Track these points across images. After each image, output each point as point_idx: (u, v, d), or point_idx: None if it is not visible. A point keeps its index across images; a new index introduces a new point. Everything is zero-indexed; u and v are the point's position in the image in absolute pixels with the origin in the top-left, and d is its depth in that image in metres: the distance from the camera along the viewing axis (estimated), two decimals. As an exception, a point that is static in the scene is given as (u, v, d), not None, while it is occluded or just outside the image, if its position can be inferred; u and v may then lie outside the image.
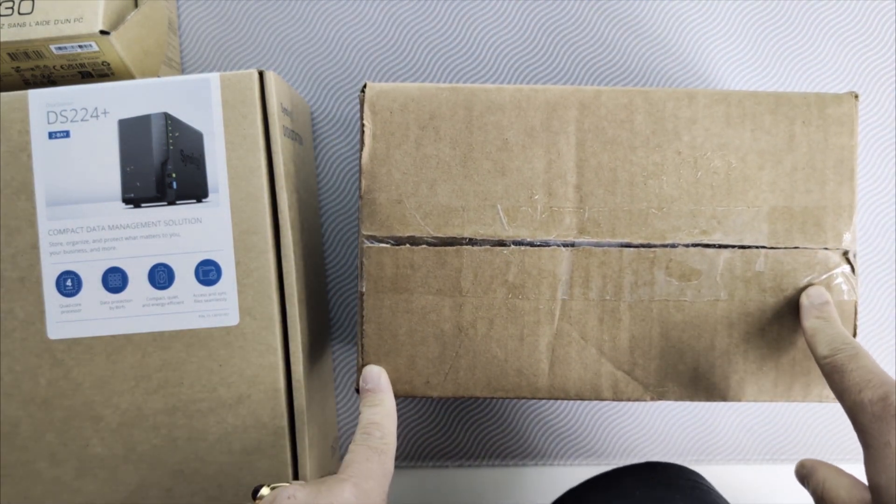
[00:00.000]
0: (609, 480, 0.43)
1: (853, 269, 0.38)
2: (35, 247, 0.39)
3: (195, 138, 0.38)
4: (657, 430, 0.53)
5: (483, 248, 0.38)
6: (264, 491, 0.31)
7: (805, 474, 0.34)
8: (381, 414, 0.35)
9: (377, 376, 0.37)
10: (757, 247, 0.38)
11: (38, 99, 0.38)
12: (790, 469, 0.53)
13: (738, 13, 0.52)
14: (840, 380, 0.32)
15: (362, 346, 0.38)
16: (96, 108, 0.38)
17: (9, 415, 0.39)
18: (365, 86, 0.38)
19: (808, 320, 0.36)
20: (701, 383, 0.38)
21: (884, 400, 0.30)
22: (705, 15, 0.52)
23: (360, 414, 0.36)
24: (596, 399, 0.38)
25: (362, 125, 0.38)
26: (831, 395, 0.38)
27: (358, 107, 0.51)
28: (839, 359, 0.33)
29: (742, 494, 0.53)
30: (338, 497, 0.29)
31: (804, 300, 0.37)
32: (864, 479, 0.31)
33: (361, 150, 0.38)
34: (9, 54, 0.42)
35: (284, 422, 0.39)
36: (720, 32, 0.52)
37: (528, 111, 0.38)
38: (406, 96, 0.38)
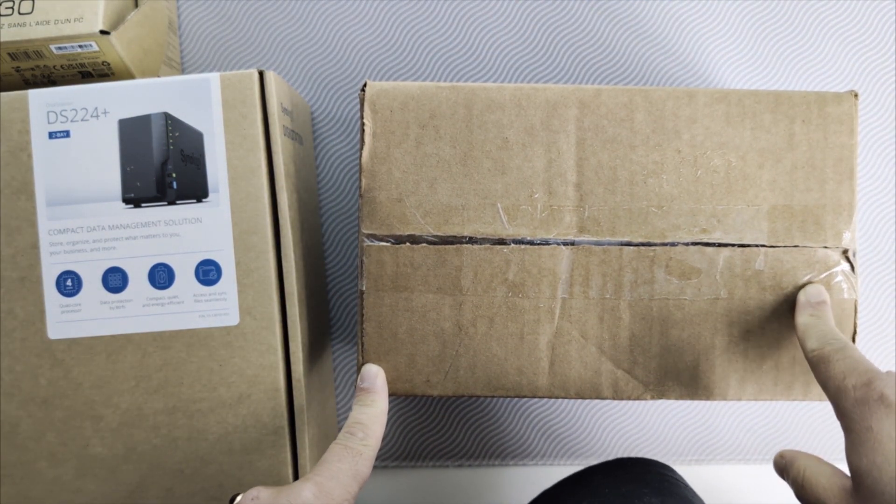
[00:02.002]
0: (579, 480, 0.43)
1: (853, 268, 0.38)
2: (35, 247, 0.39)
3: (195, 138, 0.38)
4: (657, 430, 0.53)
5: (483, 246, 0.38)
6: (238, 499, 0.31)
7: (784, 465, 0.34)
8: (369, 415, 0.35)
9: (374, 376, 0.37)
10: (757, 245, 0.38)
11: (38, 99, 0.38)
12: (791, 468, 0.53)
13: (738, 13, 0.52)
14: (825, 369, 0.32)
15: (362, 344, 0.38)
16: (96, 108, 0.38)
17: (9, 415, 0.39)
18: (365, 84, 0.38)
19: (801, 317, 0.36)
20: (701, 382, 0.38)
21: (867, 385, 0.30)
22: (705, 15, 0.52)
23: (350, 411, 0.36)
24: (596, 398, 0.38)
25: (362, 124, 0.38)
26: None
27: (358, 106, 0.51)
28: (826, 350, 0.33)
29: (742, 494, 0.53)
30: (297, 496, 0.30)
31: (801, 297, 0.37)
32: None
33: (361, 148, 0.38)
34: (9, 54, 0.42)
35: (284, 421, 0.39)
36: (720, 32, 0.52)
37: (529, 110, 0.38)
38: (406, 95, 0.38)
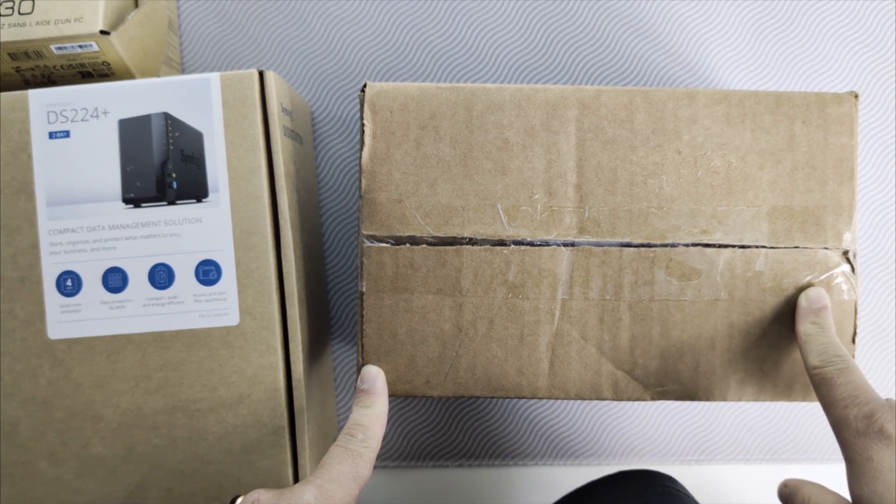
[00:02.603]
0: (583, 495, 0.43)
1: (853, 269, 0.38)
2: (35, 247, 0.39)
3: (195, 138, 0.38)
4: (657, 430, 0.53)
5: (483, 247, 0.38)
6: (239, 501, 0.31)
7: (789, 494, 0.34)
8: (369, 416, 0.35)
9: (374, 378, 0.37)
10: (757, 246, 0.38)
11: (39, 99, 0.38)
12: (790, 469, 0.53)
13: (738, 13, 0.52)
14: (827, 392, 0.33)
15: (362, 345, 0.38)
16: (96, 108, 0.38)
17: (9, 415, 0.39)
18: (365, 85, 0.38)
19: (803, 325, 0.36)
20: (701, 383, 0.38)
21: (868, 418, 0.31)
22: (705, 15, 0.52)
23: (350, 413, 0.36)
24: (596, 399, 0.38)
25: (362, 125, 0.38)
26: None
27: (358, 106, 0.51)
28: (829, 371, 0.33)
29: (742, 494, 0.53)
30: (298, 499, 0.30)
31: (802, 302, 0.37)
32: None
33: (361, 149, 0.38)
34: (9, 54, 0.42)
35: (284, 422, 0.39)
36: (720, 32, 0.52)
37: (529, 111, 0.38)
38: (406, 96, 0.38)
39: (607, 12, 0.52)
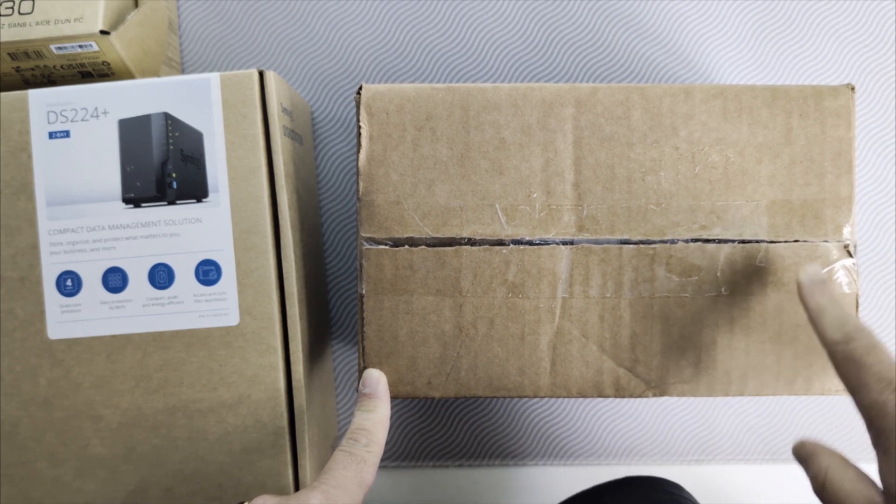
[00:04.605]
0: (587, 500, 0.43)
1: (854, 262, 0.38)
2: (35, 247, 0.39)
3: (195, 138, 0.38)
4: (657, 429, 0.53)
5: (482, 247, 0.38)
6: None
7: (805, 456, 0.32)
8: (372, 420, 0.35)
9: (376, 381, 0.37)
10: (757, 241, 0.38)
11: (38, 99, 0.39)
12: (790, 469, 0.53)
13: (737, 11, 0.52)
14: (857, 373, 0.29)
15: (363, 348, 0.38)
16: (96, 108, 0.38)
17: (9, 415, 0.39)
18: (360, 87, 0.38)
19: (813, 298, 0.33)
20: (703, 379, 0.38)
21: None
22: (704, 13, 0.52)
23: (353, 417, 0.36)
24: (598, 396, 0.38)
25: (359, 127, 0.38)
26: (833, 387, 0.38)
27: (357, 107, 0.51)
28: (856, 349, 0.30)
29: (742, 494, 0.53)
30: None
31: (804, 278, 0.34)
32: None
33: (358, 151, 0.38)
34: (9, 54, 0.42)
35: (284, 422, 0.39)
36: (719, 31, 0.52)
37: (525, 109, 0.38)
38: (402, 97, 0.38)
39: (606, 12, 0.52)
